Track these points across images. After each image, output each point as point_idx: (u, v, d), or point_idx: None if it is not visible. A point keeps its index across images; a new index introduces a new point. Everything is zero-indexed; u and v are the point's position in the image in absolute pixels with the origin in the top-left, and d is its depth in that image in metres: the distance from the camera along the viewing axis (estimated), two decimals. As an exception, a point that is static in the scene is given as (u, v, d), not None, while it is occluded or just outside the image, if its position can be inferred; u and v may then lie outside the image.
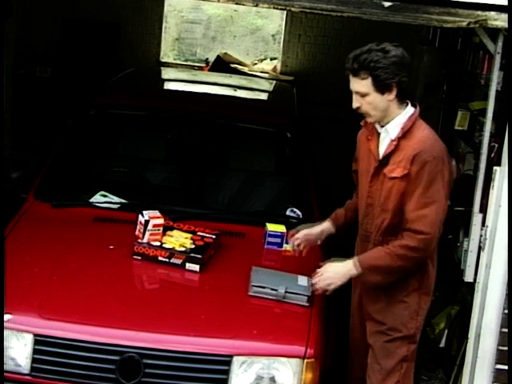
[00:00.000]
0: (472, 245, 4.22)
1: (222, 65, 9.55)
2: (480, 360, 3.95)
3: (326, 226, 3.93)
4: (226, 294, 3.79)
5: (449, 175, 3.51)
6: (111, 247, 4.09)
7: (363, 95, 3.47)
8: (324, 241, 3.99)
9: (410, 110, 3.56)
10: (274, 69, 10.12)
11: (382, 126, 3.57)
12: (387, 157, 3.54)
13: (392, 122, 3.53)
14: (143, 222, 4.07)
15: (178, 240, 4.08)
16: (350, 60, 3.47)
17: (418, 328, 3.60)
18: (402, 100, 3.52)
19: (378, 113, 3.51)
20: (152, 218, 4.08)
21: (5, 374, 3.36)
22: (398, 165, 3.48)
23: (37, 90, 8.81)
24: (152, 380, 3.42)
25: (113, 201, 4.57)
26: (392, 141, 3.52)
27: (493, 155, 4.22)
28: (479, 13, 3.64)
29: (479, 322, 3.95)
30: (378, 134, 3.61)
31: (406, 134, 3.50)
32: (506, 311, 3.83)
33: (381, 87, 3.44)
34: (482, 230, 3.99)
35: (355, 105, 3.52)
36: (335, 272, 3.60)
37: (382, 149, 3.58)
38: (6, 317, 3.43)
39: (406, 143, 3.49)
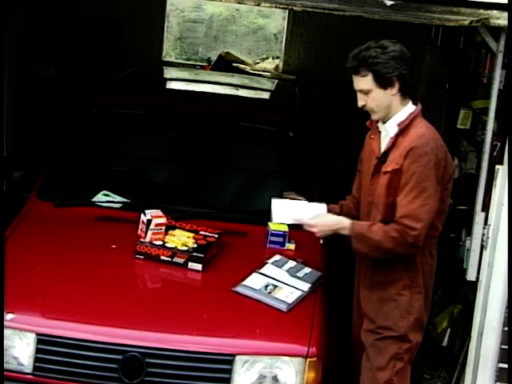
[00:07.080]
0: (474, 244, 4.21)
1: (224, 64, 9.54)
2: (482, 359, 3.95)
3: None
4: (229, 293, 3.78)
5: (445, 174, 3.50)
6: (113, 246, 4.09)
7: (366, 92, 3.51)
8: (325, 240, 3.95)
9: (410, 107, 3.57)
10: (276, 68, 10.12)
11: (384, 123, 3.60)
12: (386, 154, 3.56)
13: (391, 120, 3.56)
14: (145, 221, 4.07)
15: (181, 239, 4.07)
16: (350, 59, 3.51)
17: (409, 327, 3.56)
18: (404, 95, 3.55)
19: (382, 109, 3.54)
20: (154, 217, 4.08)
21: (8, 373, 3.38)
22: (392, 161, 3.51)
23: (39, 89, 8.80)
24: (155, 379, 3.43)
25: (115, 200, 4.57)
26: (390, 138, 3.55)
27: (495, 154, 4.22)
28: (481, 11, 3.64)
29: (482, 320, 3.94)
30: (380, 133, 3.64)
31: (403, 131, 3.52)
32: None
33: (382, 82, 3.48)
34: (484, 228, 3.99)
35: (360, 103, 3.55)
36: (329, 220, 3.66)
37: (383, 147, 3.60)
38: (8, 316, 3.43)
39: (402, 140, 3.51)
